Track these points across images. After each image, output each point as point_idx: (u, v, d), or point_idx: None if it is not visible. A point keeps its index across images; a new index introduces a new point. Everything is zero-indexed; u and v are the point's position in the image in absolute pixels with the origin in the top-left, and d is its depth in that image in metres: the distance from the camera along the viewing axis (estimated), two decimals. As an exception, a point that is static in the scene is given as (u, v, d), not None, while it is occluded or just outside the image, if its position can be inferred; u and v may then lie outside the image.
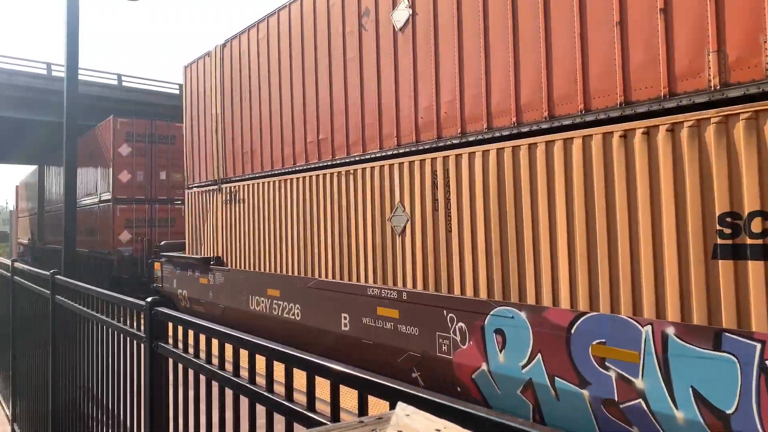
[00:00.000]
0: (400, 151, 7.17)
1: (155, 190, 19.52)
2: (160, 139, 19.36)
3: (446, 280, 6.45)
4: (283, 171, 9.36)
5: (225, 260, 10.97)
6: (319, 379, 1.78)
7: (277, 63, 9.54)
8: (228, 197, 10.91)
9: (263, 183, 9.83)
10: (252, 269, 10.06)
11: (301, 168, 8.96)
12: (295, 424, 1.84)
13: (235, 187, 10.65)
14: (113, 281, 17.87)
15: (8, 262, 6.38)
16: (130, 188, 19.02)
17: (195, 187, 12.40)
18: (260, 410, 2.00)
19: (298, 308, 8.44)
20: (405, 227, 7.00)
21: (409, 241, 6.94)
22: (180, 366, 2.60)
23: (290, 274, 8.99)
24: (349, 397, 1.69)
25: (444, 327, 6.17)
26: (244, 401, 2.10)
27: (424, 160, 6.75)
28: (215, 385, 2.31)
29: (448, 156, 6.44)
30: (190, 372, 2.52)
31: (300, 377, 1.84)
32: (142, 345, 2.92)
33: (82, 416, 3.98)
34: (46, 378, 4.76)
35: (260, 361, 2.02)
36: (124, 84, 26.64)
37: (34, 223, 32.92)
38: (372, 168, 7.55)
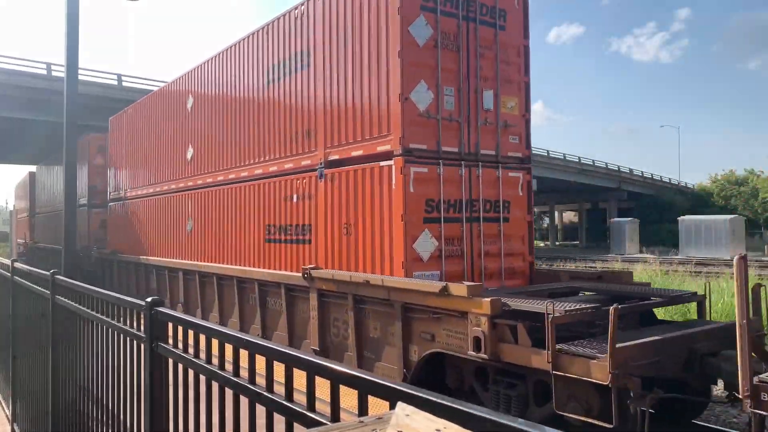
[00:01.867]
0: None
1: (475, 134, 8.08)
2: (481, 17, 8.18)
3: None
4: None
5: None
6: (319, 379, 1.78)
7: None
8: None
9: None
10: None
11: None
12: (295, 424, 1.84)
13: None
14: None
15: (8, 262, 6.38)
16: (433, 128, 7.68)
17: None
18: (260, 410, 2.00)
19: None
20: None
21: None
22: (180, 366, 2.60)
23: None
24: (349, 397, 1.69)
25: None
26: (244, 401, 2.10)
27: None
28: (215, 385, 2.31)
29: None
30: (190, 372, 2.52)
31: (300, 377, 1.84)
32: (142, 345, 2.92)
33: (82, 416, 3.98)
34: (46, 378, 4.75)
35: (260, 361, 2.02)
36: (124, 84, 26.67)
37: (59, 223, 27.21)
38: None
